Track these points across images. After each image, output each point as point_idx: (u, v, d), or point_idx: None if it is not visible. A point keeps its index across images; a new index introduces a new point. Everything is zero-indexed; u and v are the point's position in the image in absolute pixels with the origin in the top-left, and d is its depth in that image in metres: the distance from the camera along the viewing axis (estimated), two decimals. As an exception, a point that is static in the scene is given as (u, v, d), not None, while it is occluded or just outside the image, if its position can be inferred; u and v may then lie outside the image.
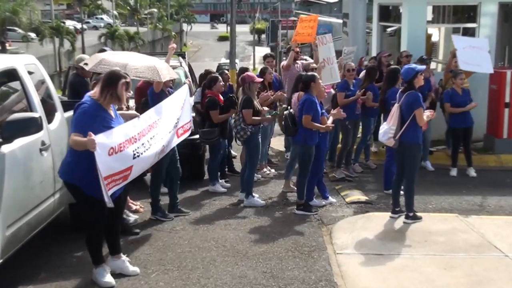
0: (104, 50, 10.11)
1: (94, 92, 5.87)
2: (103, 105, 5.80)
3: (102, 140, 5.52)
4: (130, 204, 8.25)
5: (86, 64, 8.12)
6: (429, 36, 14.30)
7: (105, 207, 5.86)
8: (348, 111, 9.72)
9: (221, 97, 9.50)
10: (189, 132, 7.90)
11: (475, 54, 10.99)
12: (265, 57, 11.66)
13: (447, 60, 12.01)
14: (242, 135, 8.76)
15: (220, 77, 9.69)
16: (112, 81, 5.83)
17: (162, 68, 7.84)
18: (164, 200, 8.43)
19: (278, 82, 11.30)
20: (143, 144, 6.20)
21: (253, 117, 8.68)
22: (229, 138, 10.70)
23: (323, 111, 8.63)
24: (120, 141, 5.77)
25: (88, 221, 5.99)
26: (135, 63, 7.73)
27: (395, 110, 7.90)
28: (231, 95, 9.78)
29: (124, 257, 6.31)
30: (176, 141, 7.43)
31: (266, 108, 9.10)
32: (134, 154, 5.98)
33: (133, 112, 6.83)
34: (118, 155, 5.72)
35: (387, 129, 7.97)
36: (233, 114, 9.59)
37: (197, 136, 9.64)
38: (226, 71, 11.85)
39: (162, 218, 8.09)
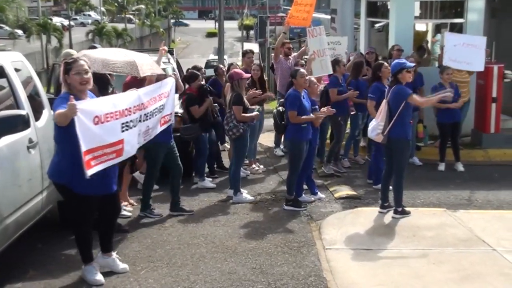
0: (94, 47, 10.06)
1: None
2: (76, 94, 5.65)
3: (85, 107, 5.45)
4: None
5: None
6: (423, 32, 14.39)
7: (94, 204, 5.85)
8: (339, 107, 9.82)
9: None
10: (169, 123, 7.89)
11: (467, 52, 11.01)
12: (245, 53, 11.45)
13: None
14: (234, 133, 8.70)
15: (200, 76, 9.71)
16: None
17: (143, 64, 7.80)
18: (155, 198, 8.41)
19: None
20: (137, 118, 6.30)
21: (243, 114, 8.67)
22: (219, 134, 10.75)
23: (316, 106, 8.65)
24: (107, 110, 5.73)
25: (76, 219, 5.96)
26: (114, 58, 7.70)
27: (383, 106, 7.95)
28: (203, 84, 9.78)
29: (114, 254, 6.29)
30: (159, 129, 7.43)
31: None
32: (123, 127, 5.98)
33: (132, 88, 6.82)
34: (105, 126, 5.68)
35: (375, 125, 8.03)
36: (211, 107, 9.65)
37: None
38: (222, 66, 11.83)
39: (150, 215, 8.08)
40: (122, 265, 6.25)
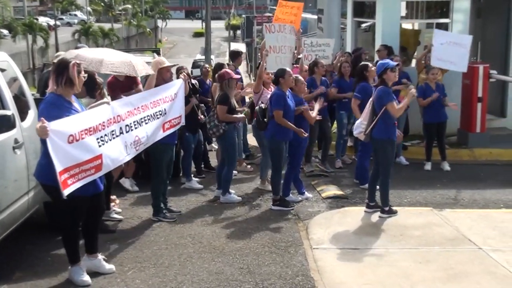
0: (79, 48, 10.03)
1: (50, 88, 5.75)
2: (64, 95, 5.67)
3: (58, 127, 5.35)
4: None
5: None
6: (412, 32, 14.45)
7: (83, 205, 5.80)
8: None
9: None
10: (177, 127, 7.80)
11: (453, 51, 11.10)
12: (241, 53, 11.44)
13: (422, 53, 12.31)
14: (214, 132, 8.69)
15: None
16: (63, 67, 5.71)
17: (138, 64, 7.81)
18: (138, 200, 8.38)
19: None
20: (112, 132, 6.13)
21: (227, 115, 8.65)
22: (206, 134, 10.72)
23: (306, 106, 8.67)
24: (82, 128, 5.62)
25: (64, 220, 5.92)
26: (110, 58, 7.69)
27: (368, 105, 8.01)
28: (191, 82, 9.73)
29: (100, 256, 6.25)
30: (161, 134, 7.32)
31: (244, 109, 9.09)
32: (99, 142, 5.85)
33: (104, 100, 6.56)
34: (81, 143, 5.57)
35: (358, 123, 8.14)
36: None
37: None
38: (206, 65, 11.82)
39: (165, 219, 7.94)
40: (108, 266, 6.22)
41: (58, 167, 5.30)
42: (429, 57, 11.41)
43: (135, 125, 6.65)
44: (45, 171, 5.68)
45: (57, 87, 5.66)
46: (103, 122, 6.02)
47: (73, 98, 5.87)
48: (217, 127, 8.63)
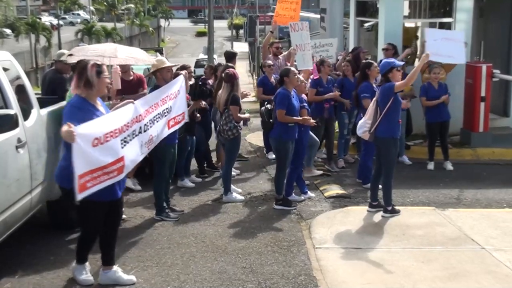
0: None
1: (72, 89, 5.69)
2: (88, 98, 5.60)
3: (85, 131, 5.22)
4: None
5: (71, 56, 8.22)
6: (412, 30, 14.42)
7: (101, 211, 5.69)
8: (317, 108, 9.87)
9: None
10: (181, 124, 7.73)
11: (448, 46, 11.12)
12: (234, 55, 11.38)
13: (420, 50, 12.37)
14: (234, 133, 8.61)
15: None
16: (82, 68, 5.64)
17: (145, 54, 8.06)
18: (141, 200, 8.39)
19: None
20: (133, 132, 6.02)
21: (239, 115, 8.63)
22: (209, 133, 10.74)
23: (305, 104, 8.67)
24: (107, 130, 5.49)
25: (85, 224, 5.85)
26: (123, 47, 8.00)
27: (372, 104, 7.99)
28: (204, 87, 9.72)
29: (115, 267, 6.02)
30: (166, 132, 7.20)
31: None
32: (122, 144, 5.72)
33: (128, 100, 6.37)
34: (105, 146, 5.43)
35: (362, 123, 8.09)
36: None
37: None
38: (211, 64, 11.85)
39: (167, 218, 7.93)
40: (128, 276, 6.00)
41: (79, 170, 5.16)
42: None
43: (150, 124, 6.55)
44: (65, 174, 5.51)
45: (78, 89, 5.59)
46: (128, 123, 5.90)
47: (100, 102, 5.78)
48: (236, 128, 8.60)
